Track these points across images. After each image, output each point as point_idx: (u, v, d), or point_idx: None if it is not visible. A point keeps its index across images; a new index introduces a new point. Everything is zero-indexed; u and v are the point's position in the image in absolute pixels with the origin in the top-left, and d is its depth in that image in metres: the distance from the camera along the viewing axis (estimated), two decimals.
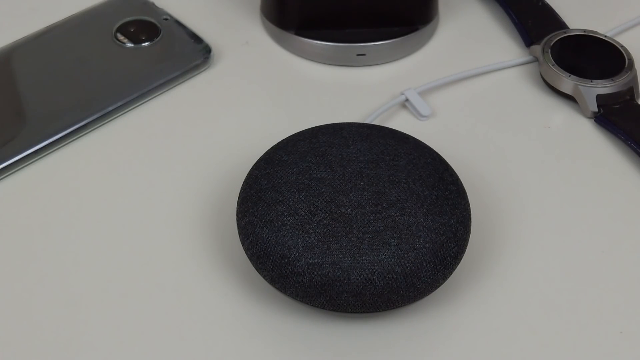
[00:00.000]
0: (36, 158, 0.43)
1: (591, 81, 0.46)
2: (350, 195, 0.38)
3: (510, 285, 0.39)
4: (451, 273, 0.37)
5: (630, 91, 0.46)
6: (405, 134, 0.41)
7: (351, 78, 0.49)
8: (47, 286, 0.38)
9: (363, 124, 0.41)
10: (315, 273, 0.36)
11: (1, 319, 0.37)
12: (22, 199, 0.42)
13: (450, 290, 0.39)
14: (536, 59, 0.49)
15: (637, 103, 0.46)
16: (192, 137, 0.45)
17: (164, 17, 0.50)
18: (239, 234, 0.38)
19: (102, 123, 0.45)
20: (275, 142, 0.41)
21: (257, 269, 0.37)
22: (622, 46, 0.48)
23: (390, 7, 0.49)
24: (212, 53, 0.49)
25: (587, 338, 0.37)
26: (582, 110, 0.47)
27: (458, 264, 0.37)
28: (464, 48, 0.51)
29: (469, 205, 0.38)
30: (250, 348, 0.37)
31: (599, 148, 0.45)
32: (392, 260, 0.36)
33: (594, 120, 0.46)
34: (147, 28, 0.49)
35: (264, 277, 0.37)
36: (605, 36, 0.49)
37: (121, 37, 0.49)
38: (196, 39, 0.49)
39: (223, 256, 0.40)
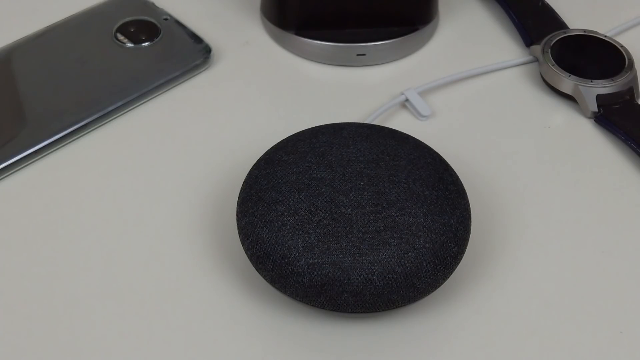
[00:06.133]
0: (36, 158, 0.43)
1: (591, 81, 0.46)
2: (350, 195, 0.38)
3: (510, 285, 0.39)
4: (451, 273, 0.37)
5: (630, 91, 0.46)
6: (405, 134, 0.41)
7: (351, 78, 0.49)
8: (46, 286, 0.38)
9: (363, 124, 0.41)
10: (315, 273, 0.36)
11: (1, 318, 0.37)
12: (22, 199, 0.42)
13: (450, 290, 0.39)
14: (536, 59, 0.49)
15: (637, 103, 0.46)
16: (192, 137, 0.45)
17: (164, 17, 0.50)
18: (239, 234, 0.38)
19: (102, 123, 0.45)
20: (275, 142, 0.41)
21: (257, 269, 0.37)
22: (622, 46, 0.48)
23: (390, 7, 0.49)
24: (212, 53, 0.49)
25: (587, 338, 0.37)
26: (582, 110, 0.47)
27: (458, 264, 0.37)
28: (464, 48, 0.51)
29: (469, 205, 0.39)
30: (250, 348, 0.37)
31: (599, 148, 0.45)
32: (392, 260, 0.36)
33: (594, 120, 0.46)
34: (147, 28, 0.49)
35: (264, 277, 0.37)
36: (605, 36, 0.49)
37: (121, 37, 0.49)
38: (196, 39, 0.49)
39: (223, 256, 0.40)
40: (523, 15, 0.51)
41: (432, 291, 0.37)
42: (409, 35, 0.49)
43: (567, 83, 0.47)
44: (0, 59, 0.48)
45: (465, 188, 0.41)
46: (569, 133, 0.46)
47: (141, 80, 0.47)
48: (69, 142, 0.44)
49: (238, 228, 0.38)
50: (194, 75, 0.48)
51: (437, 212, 0.37)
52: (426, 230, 0.37)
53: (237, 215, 0.38)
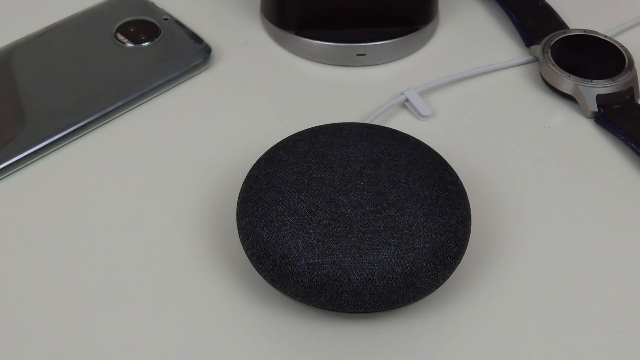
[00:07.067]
0: (36, 158, 0.43)
1: (591, 81, 0.46)
2: (350, 195, 0.38)
3: (510, 285, 0.39)
4: (451, 273, 0.37)
5: (630, 91, 0.46)
6: (405, 134, 0.41)
7: (351, 78, 0.49)
8: (46, 286, 0.38)
9: (363, 124, 0.41)
10: (315, 273, 0.36)
11: (1, 318, 0.37)
12: (22, 199, 0.42)
13: (450, 290, 0.39)
14: (536, 59, 0.49)
15: (637, 103, 0.46)
16: (192, 137, 0.45)
17: (164, 17, 0.50)
18: (239, 234, 0.38)
19: (102, 123, 0.45)
20: (275, 142, 0.41)
21: (257, 269, 0.37)
22: (622, 46, 0.48)
23: (390, 7, 0.49)
24: (212, 53, 0.49)
25: (587, 338, 0.37)
26: (582, 110, 0.47)
27: (458, 264, 0.37)
28: (464, 48, 0.51)
29: (469, 205, 0.38)
30: (250, 348, 0.37)
31: (599, 148, 0.45)
32: (392, 260, 0.36)
33: (594, 120, 0.46)
34: (147, 28, 0.49)
35: (264, 277, 0.37)
36: (605, 36, 0.49)
37: (121, 37, 0.49)
38: (196, 39, 0.49)
39: (223, 256, 0.40)
40: (523, 15, 0.51)
41: (432, 291, 0.37)
42: (409, 35, 0.49)
43: (567, 83, 0.47)
44: (0, 59, 0.48)
45: (465, 188, 0.41)
46: (569, 133, 0.46)
47: (141, 80, 0.47)
48: (69, 142, 0.44)
49: (238, 228, 0.38)
50: (194, 75, 0.48)
51: (437, 212, 0.37)
52: (426, 230, 0.37)
53: (237, 215, 0.38)
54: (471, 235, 0.39)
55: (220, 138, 0.45)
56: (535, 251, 0.40)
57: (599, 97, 0.46)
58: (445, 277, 0.37)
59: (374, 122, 0.45)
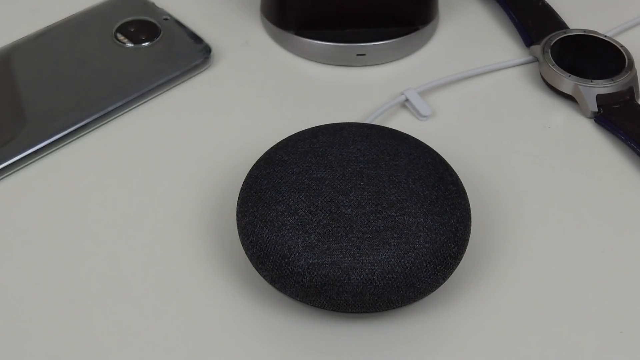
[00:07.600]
0: (36, 158, 0.43)
1: (591, 81, 0.46)
2: (350, 195, 0.38)
3: (510, 285, 0.39)
4: (451, 273, 0.37)
5: (630, 91, 0.46)
6: (405, 134, 0.41)
7: (351, 78, 0.49)
8: (46, 286, 0.38)
9: (363, 124, 0.41)
10: (315, 273, 0.36)
11: (1, 319, 0.37)
12: (22, 199, 0.42)
13: (450, 290, 0.39)
14: (536, 59, 0.49)
15: (637, 103, 0.46)
16: (192, 137, 0.45)
17: (164, 17, 0.50)
18: (239, 234, 0.38)
19: (102, 123, 0.45)
20: (275, 142, 0.41)
21: (257, 269, 0.37)
22: (622, 46, 0.48)
23: (390, 7, 0.49)
24: (212, 53, 0.49)
25: (587, 338, 0.37)
26: (582, 110, 0.47)
27: (458, 264, 0.37)
28: (464, 48, 0.51)
29: (469, 205, 0.39)
30: (250, 348, 0.37)
31: (599, 148, 0.45)
32: (392, 260, 0.36)
33: (594, 120, 0.46)
34: (147, 28, 0.49)
35: (264, 277, 0.37)
36: (605, 36, 0.49)
37: (121, 37, 0.49)
38: (196, 39, 0.49)
39: (223, 256, 0.40)
40: (523, 15, 0.51)
41: (432, 291, 0.37)
42: (409, 35, 0.49)
43: (567, 83, 0.47)
44: (0, 59, 0.48)
45: (465, 188, 0.41)
46: (569, 133, 0.46)
47: (141, 80, 0.47)
48: (69, 142, 0.44)
49: (238, 228, 0.38)
50: (194, 75, 0.48)
51: (437, 212, 0.37)
52: (426, 230, 0.37)
53: (237, 215, 0.38)
54: (471, 235, 0.39)
55: (220, 138, 0.45)
56: (535, 251, 0.40)
57: (599, 97, 0.46)
58: (445, 277, 0.37)
59: (374, 122, 0.45)
